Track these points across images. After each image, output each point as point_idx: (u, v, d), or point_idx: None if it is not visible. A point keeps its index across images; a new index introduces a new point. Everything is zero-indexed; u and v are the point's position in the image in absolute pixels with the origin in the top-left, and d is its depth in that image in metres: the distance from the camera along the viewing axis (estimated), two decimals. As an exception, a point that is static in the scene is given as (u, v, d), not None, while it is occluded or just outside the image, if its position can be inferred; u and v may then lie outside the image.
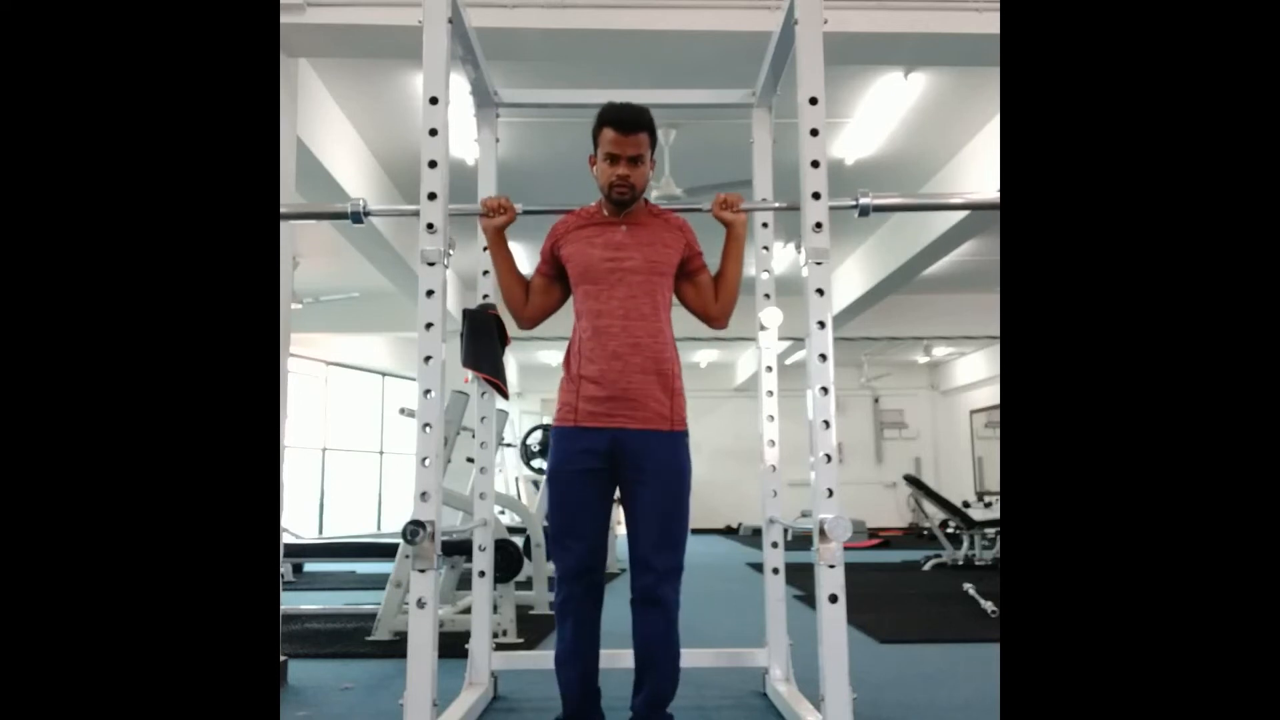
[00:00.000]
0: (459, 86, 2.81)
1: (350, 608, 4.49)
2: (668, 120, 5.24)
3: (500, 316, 2.56)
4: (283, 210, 2.30)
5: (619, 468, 2.06)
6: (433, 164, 1.98)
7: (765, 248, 2.83)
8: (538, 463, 6.57)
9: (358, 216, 2.20)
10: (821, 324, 1.95)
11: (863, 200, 2.16)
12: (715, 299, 2.20)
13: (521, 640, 3.68)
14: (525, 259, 7.82)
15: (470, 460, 2.94)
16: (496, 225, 2.18)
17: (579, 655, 2.08)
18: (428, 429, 1.90)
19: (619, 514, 2.18)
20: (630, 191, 2.09)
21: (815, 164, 2.00)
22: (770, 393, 2.79)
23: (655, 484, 2.04)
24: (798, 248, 2.02)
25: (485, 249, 2.65)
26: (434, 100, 2.01)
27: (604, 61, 4.25)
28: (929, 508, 7.89)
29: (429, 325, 1.93)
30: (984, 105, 5.14)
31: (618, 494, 2.14)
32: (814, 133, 2.01)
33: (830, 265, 1.99)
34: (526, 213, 2.24)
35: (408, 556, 2.67)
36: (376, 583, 5.52)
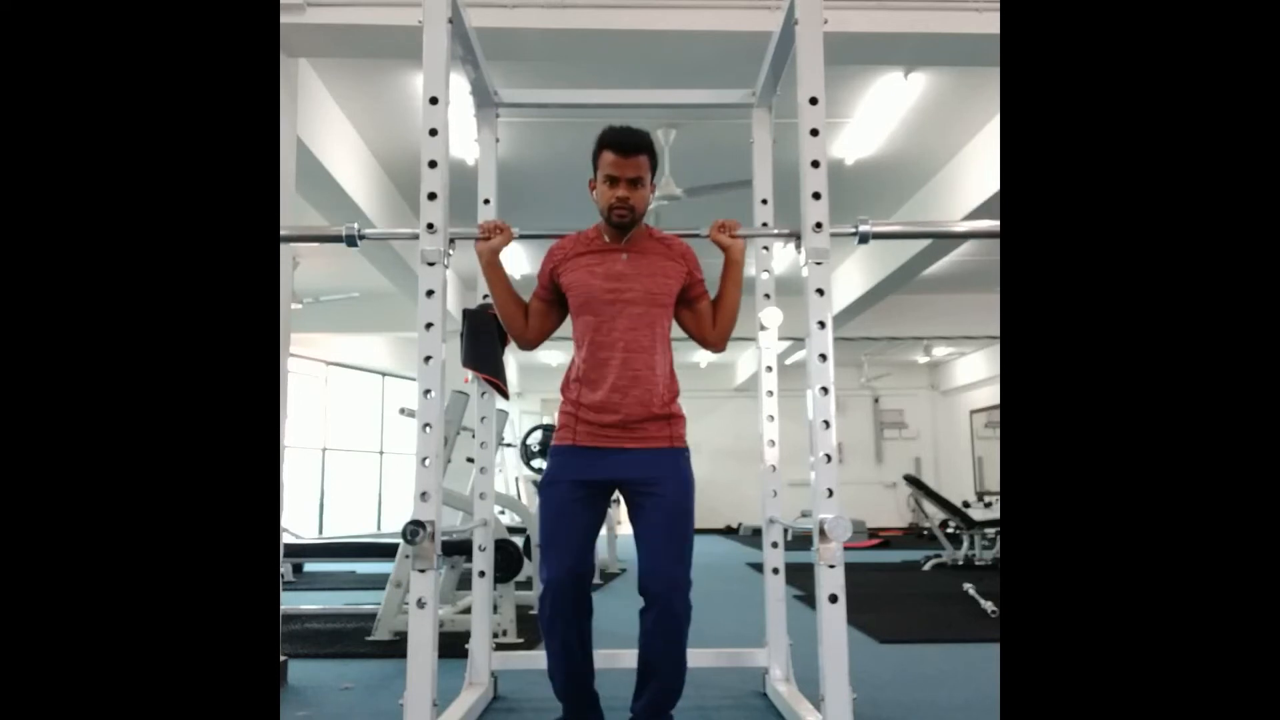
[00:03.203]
0: (459, 86, 2.81)
1: (350, 608, 4.49)
2: (668, 120, 5.24)
3: (500, 316, 2.56)
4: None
5: (621, 482, 2.05)
6: (433, 164, 1.98)
7: (765, 248, 2.83)
8: (538, 463, 6.56)
9: (352, 240, 2.19)
10: (821, 324, 1.95)
11: (862, 228, 2.13)
12: (713, 325, 2.18)
13: (521, 640, 3.68)
14: (525, 259, 7.83)
15: (470, 460, 2.94)
16: (493, 247, 2.14)
17: (571, 668, 2.06)
18: (428, 429, 1.91)
19: (617, 515, 2.18)
20: (630, 214, 2.06)
21: (815, 164, 2.00)
22: (770, 393, 2.79)
23: (659, 497, 2.02)
24: (798, 248, 2.02)
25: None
26: (434, 100, 2.01)
27: (604, 61, 4.25)
28: (929, 508, 7.89)
29: (429, 325, 1.94)
30: (984, 105, 5.14)
31: (617, 495, 2.14)
32: (814, 133, 2.01)
33: (830, 265, 1.99)
34: (523, 237, 2.23)
35: (408, 556, 2.67)
36: (376, 583, 5.52)
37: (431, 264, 1.96)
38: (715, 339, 2.19)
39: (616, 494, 2.16)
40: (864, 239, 2.15)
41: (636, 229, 2.12)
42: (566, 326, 2.23)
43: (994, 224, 2.10)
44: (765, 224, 2.84)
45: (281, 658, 2.98)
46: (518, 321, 2.19)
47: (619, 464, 2.03)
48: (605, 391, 2.03)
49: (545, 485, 2.08)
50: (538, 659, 2.91)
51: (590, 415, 2.05)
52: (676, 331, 2.17)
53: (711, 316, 2.18)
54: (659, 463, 2.04)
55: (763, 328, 2.74)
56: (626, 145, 2.03)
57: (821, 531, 1.80)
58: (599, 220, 2.14)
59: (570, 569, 2.01)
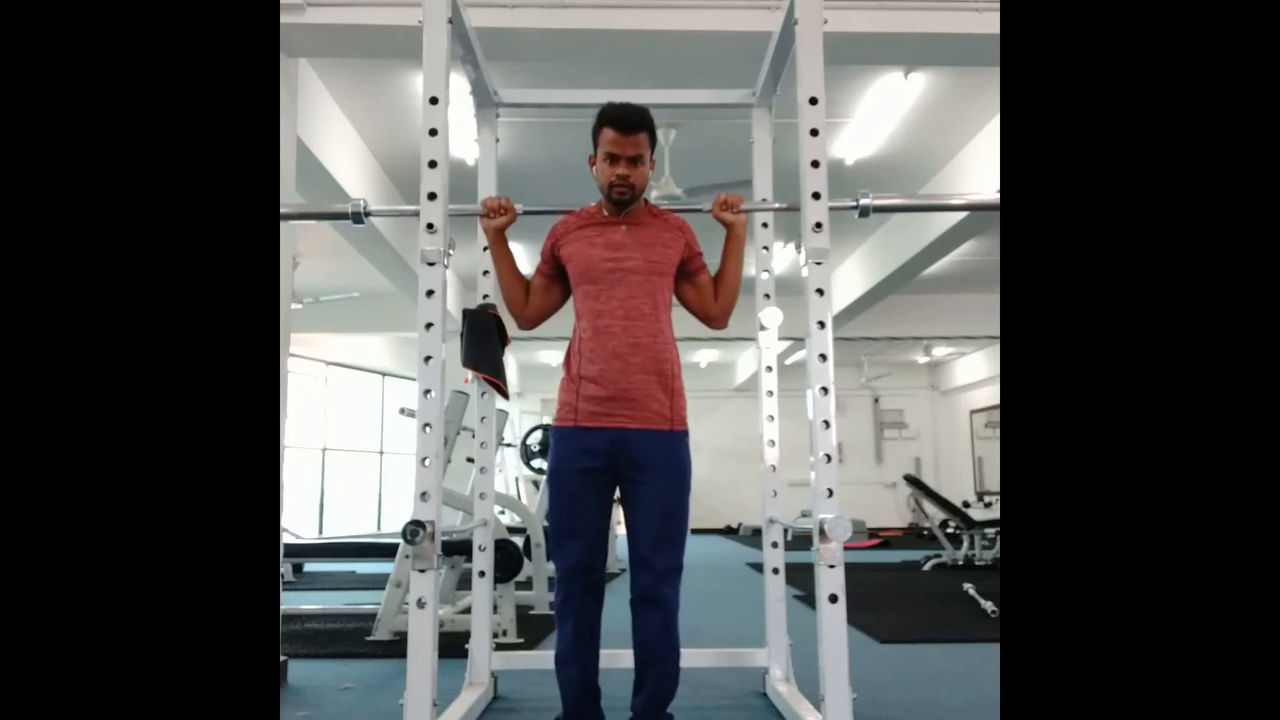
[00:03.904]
0: (459, 86, 2.81)
1: (350, 608, 4.49)
2: (668, 120, 5.24)
3: (500, 316, 2.56)
4: (283, 211, 2.30)
5: (619, 467, 2.06)
6: (433, 164, 1.98)
7: (765, 248, 2.83)
8: (538, 463, 6.57)
9: (358, 217, 2.19)
10: (821, 324, 1.95)
11: (863, 201, 2.16)
12: (715, 299, 2.20)
13: (521, 640, 3.68)
14: (525, 259, 7.84)
15: (470, 460, 2.94)
16: (497, 225, 2.17)
17: (579, 655, 2.07)
18: (428, 429, 1.90)
19: (620, 514, 2.19)
20: (630, 191, 2.09)
21: (815, 164, 2.00)
22: (770, 393, 2.78)
23: (655, 483, 2.03)
24: (798, 248, 2.02)
25: (485, 249, 2.65)
26: (434, 100, 2.01)
27: (604, 61, 4.25)
28: (929, 508, 7.89)
29: (429, 325, 1.93)
30: (984, 105, 5.14)
31: (618, 494, 2.15)
32: (814, 133, 2.01)
33: (830, 265, 1.99)
34: (527, 213, 2.24)
35: (408, 556, 2.67)
36: (376, 583, 5.52)
37: (431, 264, 1.96)
38: (718, 313, 2.21)
39: (617, 493, 2.17)
40: (864, 212, 2.17)
41: (636, 205, 2.15)
42: (566, 326, 2.23)
43: (994, 197, 2.12)
44: (765, 224, 2.84)
45: (281, 658, 2.98)
46: (519, 298, 2.22)
47: (619, 445, 2.04)
48: (606, 359, 2.04)
49: (552, 473, 2.11)
50: (538, 659, 2.92)
51: (591, 389, 2.05)
52: (676, 330, 2.18)
53: (713, 290, 2.20)
54: (658, 447, 2.04)
55: (763, 328, 2.74)
56: (627, 123, 2.05)
57: (821, 531, 1.80)
58: (600, 198, 2.16)
59: (584, 557, 2.06)
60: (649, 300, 2.09)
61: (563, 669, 2.09)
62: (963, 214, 5.71)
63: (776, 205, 2.37)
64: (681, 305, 2.23)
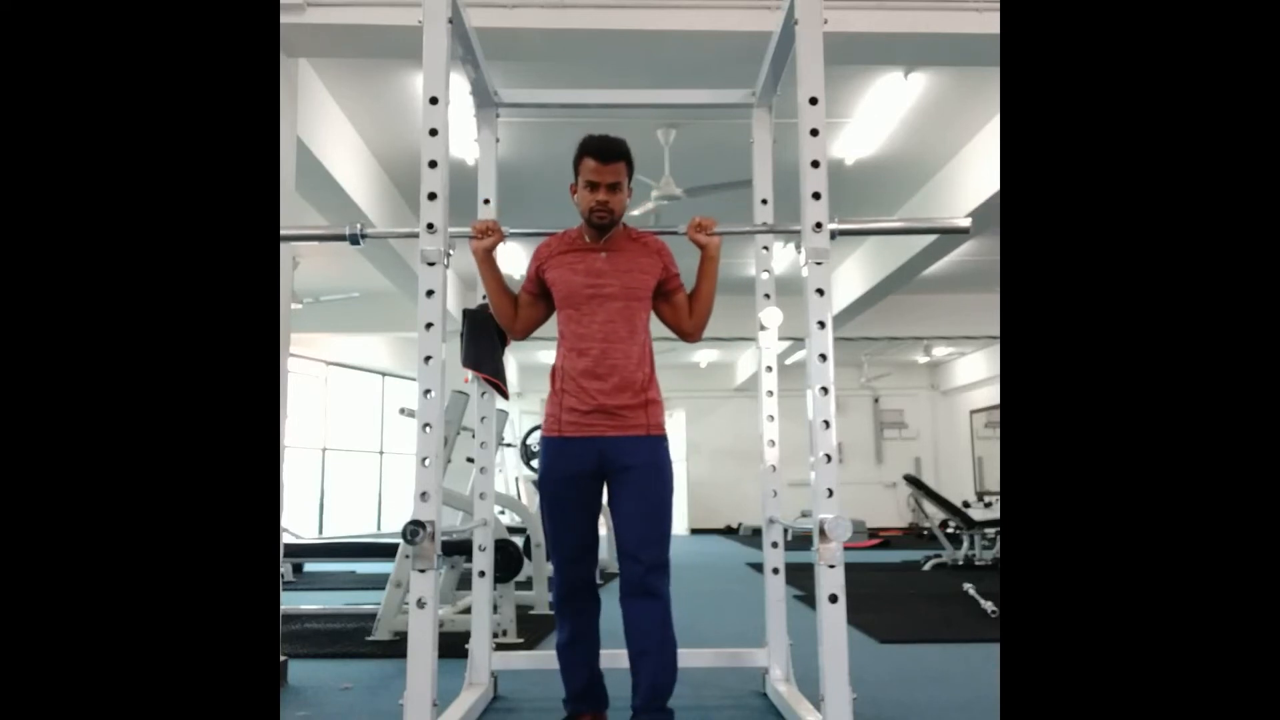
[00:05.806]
0: (459, 86, 2.81)
1: (350, 608, 4.49)
2: (668, 120, 5.24)
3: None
4: (282, 233, 2.29)
5: (604, 471, 2.15)
6: (433, 164, 1.98)
7: (765, 248, 2.83)
8: (537, 462, 6.56)
9: (355, 239, 2.20)
10: (821, 324, 1.95)
11: (829, 226, 2.09)
12: (690, 315, 2.29)
13: (521, 640, 3.68)
14: (525, 258, 7.84)
15: (470, 460, 2.94)
16: (485, 246, 2.23)
17: (582, 641, 2.18)
18: (428, 429, 1.91)
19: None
20: (609, 216, 2.18)
21: (815, 164, 2.00)
22: (770, 393, 2.79)
23: (636, 482, 2.13)
24: (798, 248, 2.02)
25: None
26: (434, 100, 2.01)
27: (604, 61, 4.25)
28: (929, 508, 7.89)
29: (429, 325, 1.94)
30: (984, 105, 5.14)
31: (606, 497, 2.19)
32: (814, 133, 2.01)
33: (830, 265, 1.99)
34: (513, 234, 2.29)
35: (408, 556, 2.67)
36: (376, 583, 5.53)
37: (431, 264, 1.96)
38: (691, 329, 2.31)
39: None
40: (830, 236, 2.11)
41: (615, 229, 2.24)
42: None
43: (965, 221, 2.13)
44: (765, 223, 2.84)
45: (281, 658, 2.98)
46: (508, 313, 2.33)
47: (601, 452, 2.14)
48: (586, 378, 2.16)
49: (541, 483, 2.22)
50: (538, 659, 2.92)
51: (572, 402, 2.16)
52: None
53: (688, 308, 2.30)
54: (637, 450, 2.14)
55: (763, 328, 2.75)
56: (606, 153, 2.15)
57: (821, 531, 1.80)
58: (582, 221, 2.25)
59: (576, 554, 2.18)
60: (626, 324, 2.18)
61: (565, 654, 2.19)
62: (962, 214, 5.72)
63: (763, 228, 2.41)
64: (659, 321, 2.30)
